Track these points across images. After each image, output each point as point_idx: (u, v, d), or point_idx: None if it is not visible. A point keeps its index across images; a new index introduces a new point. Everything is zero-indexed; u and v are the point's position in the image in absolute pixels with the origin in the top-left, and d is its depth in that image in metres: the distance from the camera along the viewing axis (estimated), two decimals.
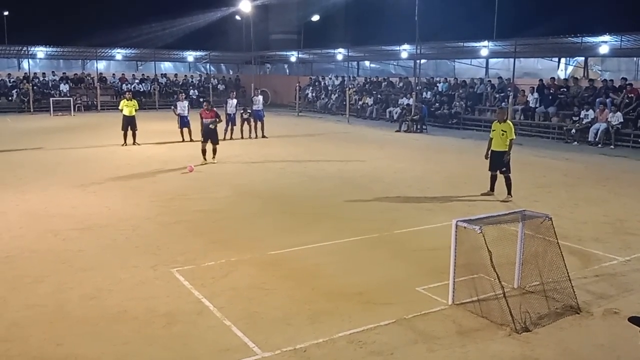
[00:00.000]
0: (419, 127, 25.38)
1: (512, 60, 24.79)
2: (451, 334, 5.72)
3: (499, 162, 11.70)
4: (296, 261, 7.90)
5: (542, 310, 6.18)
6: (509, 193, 11.74)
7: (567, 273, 6.44)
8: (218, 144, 16.28)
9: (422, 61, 31.91)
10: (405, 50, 31.10)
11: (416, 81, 28.48)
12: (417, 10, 25.34)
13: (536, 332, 5.77)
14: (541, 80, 25.12)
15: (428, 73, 33.26)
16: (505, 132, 11.54)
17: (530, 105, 24.38)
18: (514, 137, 11.68)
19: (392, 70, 37.44)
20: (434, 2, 29.36)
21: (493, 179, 11.98)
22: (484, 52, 28.25)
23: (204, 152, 15.79)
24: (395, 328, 5.83)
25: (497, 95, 26.43)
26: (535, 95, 24.42)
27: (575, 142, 21.21)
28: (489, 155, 11.82)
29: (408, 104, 27.73)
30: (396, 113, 28.76)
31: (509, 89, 25.04)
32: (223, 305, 6.34)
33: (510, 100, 22.44)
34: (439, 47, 30.01)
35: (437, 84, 30.46)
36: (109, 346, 5.46)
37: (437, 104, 28.34)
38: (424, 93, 29.56)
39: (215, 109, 16.28)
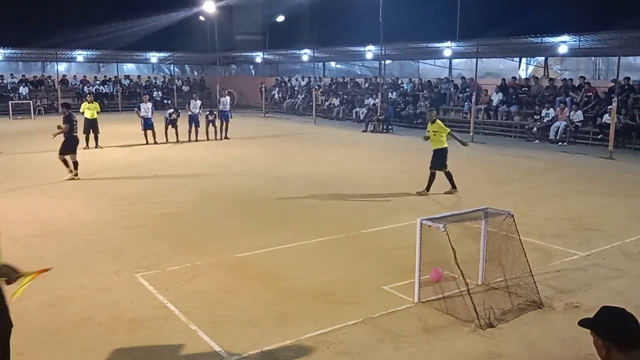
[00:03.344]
0: (384, 127, 25.57)
1: (474, 60, 25.18)
2: (417, 332, 5.77)
3: (436, 161, 12.22)
4: (263, 263, 7.86)
5: (506, 306, 6.29)
6: (453, 187, 12.22)
7: (530, 269, 6.57)
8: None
9: (387, 62, 32.17)
10: (370, 51, 31.28)
11: (381, 82, 28.69)
12: (382, 11, 25.54)
13: (500, 327, 5.86)
14: (503, 79, 25.59)
15: (393, 73, 33.53)
16: (437, 131, 12.19)
17: (493, 104, 24.81)
18: (448, 130, 12.34)
19: (358, 71, 37.65)
20: (398, 3, 29.62)
21: (431, 177, 12.28)
22: (447, 52, 28.61)
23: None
24: (362, 327, 5.85)
25: (461, 95, 26.82)
26: (499, 95, 24.86)
27: (537, 140, 21.68)
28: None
29: (374, 104, 27.92)
30: (362, 113, 28.92)
31: (472, 88, 25.44)
32: (188, 310, 6.26)
33: (473, 99, 22.78)
34: (403, 48, 30.26)
35: (402, 85, 30.74)
36: (72, 354, 5.35)
37: (402, 104, 28.60)
38: (390, 93, 29.79)
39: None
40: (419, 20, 33.80)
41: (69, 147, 13.81)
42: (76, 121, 14.30)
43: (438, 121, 12.44)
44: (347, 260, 8.00)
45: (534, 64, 28.79)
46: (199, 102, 21.63)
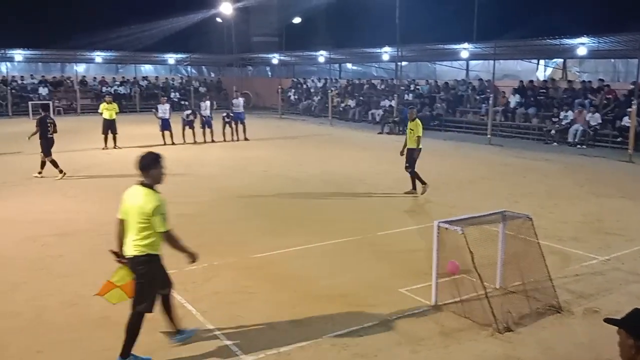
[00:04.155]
0: (401, 129, 25.48)
1: (492, 62, 25.02)
2: (434, 335, 5.75)
3: (407, 159, 12.29)
4: (279, 264, 7.89)
5: (524, 310, 6.24)
6: (413, 188, 12.31)
7: (548, 273, 6.51)
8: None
9: (403, 63, 32.09)
10: (386, 52, 31.21)
11: (397, 83, 28.62)
12: (398, 13, 25.50)
13: (518, 331, 5.82)
14: (521, 81, 25.40)
15: (409, 75, 33.44)
16: (413, 130, 12.16)
17: (511, 106, 24.64)
18: (420, 134, 12.15)
19: (374, 72, 37.60)
20: (414, 4, 29.57)
21: (411, 175, 12.35)
22: (464, 54, 28.47)
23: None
24: (378, 330, 5.85)
25: (478, 97, 26.67)
26: (516, 97, 24.68)
27: (555, 143, 21.47)
28: (404, 153, 12.48)
29: (390, 106, 27.87)
30: (378, 115, 28.87)
31: (489, 90, 25.27)
32: (206, 310, 6.30)
33: (490, 101, 22.64)
34: (419, 49, 30.18)
35: (419, 86, 30.64)
36: (91, 353, 5.41)
37: (419, 106, 28.50)
38: (406, 95, 29.71)
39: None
40: (435, 22, 33.67)
41: (47, 148, 14.05)
42: (51, 124, 14.31)
43: (417, 120, 12.31)
44: (363, 262, 8.00)
45: (553, 66, 28.55)
46: (208, 103, 21.71)
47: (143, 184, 5.18)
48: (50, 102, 32.74)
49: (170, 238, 5.07)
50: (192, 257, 5.33)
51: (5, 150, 18.64)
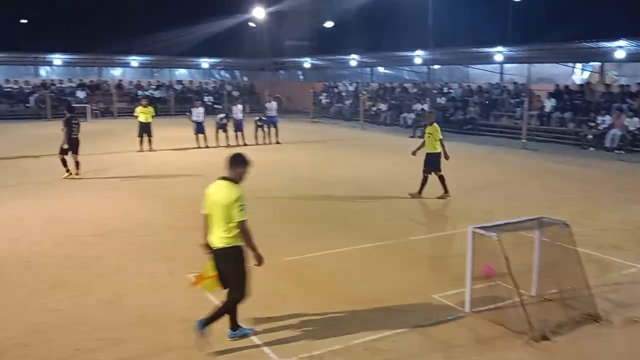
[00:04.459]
0: None
1: (527, 65, 24.67)
2: (469, 342, 5.69)
3: (430, 163, 12.21)
4: (312, 268, 7.91)
5: (561, 319, 6.13)
6: (446, 191, 12.18)
7: (586, 281, 6.38)
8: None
9: (436, 66, 31.88)
10: (419, 56, 31.09)
11: (430, 87, 28.44)
12: (431, 16, 25.35)
13: (555, 340, 5.72)
14: (557, 85, 24.98)
15: (442, 78, 33.22)
16: (431, 134, 12.13)
17: (546, 110, 24.23)
18: (441, 137, 12.12)
19: (406, 76, 37.45)
20: (448, 7, 29.35)
21: (424, 180, 12.32)
22: (498, 57, 28.14)
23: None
24: (412, 335, 5.82)
25: (512, 101, 26.32)
26: (552, 100, 24.27)
27: (592, 148, 21.04)
28: (415, 153, 12.53)
29: (422, 110, 27.70)
30: (410, 119, 28.73)
31: (524, 94, 24.92)
32: (240, 312, 6.34)
33: (525, 105, 22.30)
34: (452, 53, 29.94)
35: (451, 90, 30.39)
36: (128, 351, 5.50)
37: (452, 110, 28.27)
38: (438, 99, 29.50)
39: None
40: (469, 25, 33.39)
41: (66, 148, 14.36)
42: (76, 124, 14.59)
43: (435, 125, 12.27)
44: (396, 267, 7.97)
45: (589, 69, 27.99)
46: (240, 107, 21.91)
47: (225, 178, 5.57)
48: (88, 105, 33.64)
49: (244, 229, 5.37)
50: (259, 259, 5.54)
51: (45, 152, 19.11)
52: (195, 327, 5.47)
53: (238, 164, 5.63)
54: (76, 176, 14.44)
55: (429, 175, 12.28)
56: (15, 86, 36.29)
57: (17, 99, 35.34)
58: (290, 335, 5.83)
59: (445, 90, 30.63)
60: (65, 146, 14.36)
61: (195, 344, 5.44)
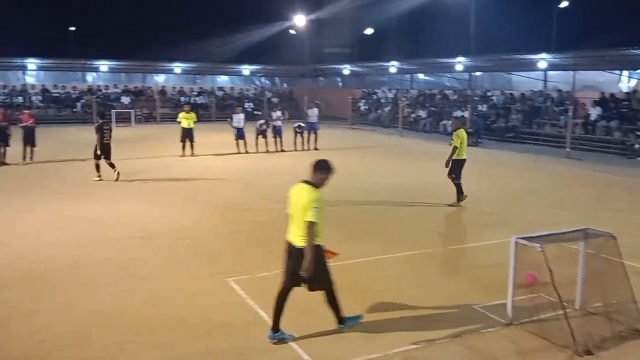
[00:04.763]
0: (474, 140, 24.99)
1: (571, 72, 24.14)
2: (509, 354, 5.59)
3: (452, 169, 12.19)
4: (349, 275, 7.89)
5: (606, 333, 5.96)
6: (458, 200, 12.15)
7: (632, 294, 6.20)
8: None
9: (478, 73, 31.51)
10: (460, 62, 30.78)
11: (471, 94, 28.11)
12: (473, 23, 25.09)
13: (599, 355, 5.57)
14: (602, 93, 24.35)
15: (483, 85, 32.81)
16: (453, 140, 12.21)
17: (591, 119, 23.64)
18: (456, 145, 12.08)
19: (447, 82, 37.12)
20: (490, 14, 29.02)
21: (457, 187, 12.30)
22: (542, 64, 27.62)
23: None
24: (451, 346, 5.75)
25: (556, 109, 25.78)
26: (597, 109, 23.67)
27: (639, 158, 20.40)
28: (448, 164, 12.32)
29: (463, 117, 27.39)
30: (450, 126, 28.41)
31: (568, 102, 24.38)
32: (282, 319, 6.39)
33: (569, 113, 21.81)
34: (494, 60, 29.55)
35: (493, 97, 29.97)
36: (169, 353, 5.61)
37: (493, 117, 27.86)
38: (480, 106, 29.12)
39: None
40: (512, 31, 32.92)
41: (101, 152, 14.93)
42: (107, 130, 15.10)
43: (458, 131, 12.26)
44: (435, 276, 7.90)
45: (637, 77, 27.18)
46: (279, 113, 22.10)
47: (307, 182, 5.86)
48: (132, 111, 34.50)
49: (310, 229, 5.59)
50: (308, 267, 5.61)
51: (91, 156, 19.63)
52: (341, 328, 5.98)
53: (321, 170, 5.88)
54: (116, 177, 14.89)
55: (454, 182, 12.26)
56: (63, 91, 37.53)
57: (64, 103, 36.53)
58: (327, 342, 5.84)
59: (489, 96, 30.19)
60: (98, 151, 14.89)
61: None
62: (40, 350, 5.63)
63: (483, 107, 29.07)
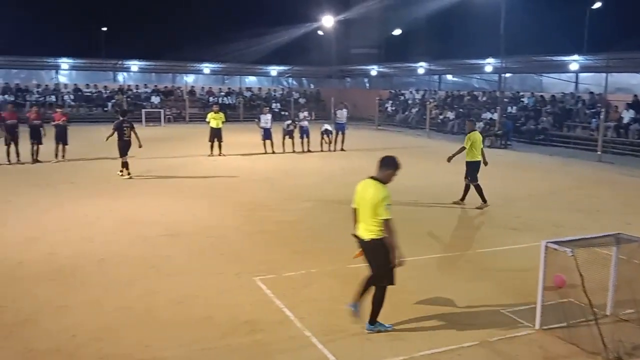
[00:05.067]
0: (503, 142, 24.68)
1: (604, 74, 23.65)
2: None
3: (467, 172, 12.27)
4: None
5: (637, 340, 5.83)
6: (484, 201, 12.04)
7: None
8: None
9: (507, 75, 31.10)
10: (489, 63, 30.43)
11: (501, 95, 27.76)
12: (503, 23, 24.78)
13: None
14: (635, 96, 23.79)
15: (513, 87, 32.37)
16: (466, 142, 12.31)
17: (624, 122, 23.13)
18: (465, 146, 12.20)
19: (475, 84, 36.72)
20: (521, 14, 28.62)
21: (466, 188, 12.37)
22: (574, 66, 27.13)
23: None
24: (478, 350, 5.68)
25: (588, 112, 25.29)
26: (630, 112, 23.14)
27: None
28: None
29: (491, 119, 27.07)
30: (479, 128, 28.08)
31: (600, 104, 23.90)
32: (303, 316, 6.41)
33: (601, 116, 21.36)
34: (525, 61, 29.13)
35: (523, 99, 29.55)
36: (194, 351, 5.66)
37: (523, 119, 27.47)
38: (509, 108, 28.74)
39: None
40: (542, 32, 32.42)
41: (121, 149, 15.43)
42: (127, 127, 15.52)
43: (470, 134, 12.31)
44: (462, 279, 7.80)
45: None
46: (306, 114, 22.15)
47: (374, 178, 5.97)
48: (162, 110, 34.94)
49: (388, 226, 5.75)
50: (397, 260, 5.82)
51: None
52: (369, 328, 6.01)
53: (388, 166, 6.01)
54: (127, 176, 15.40)
55: (472, 184, 12.28)
56: (95, 91, 38.20)
57: (96, 103, 37.18)
58: (353, 343, 5.82)
59: (520, 98, 29.77)
60: (120, 148, 15.42)
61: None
62: (70, 345, 5.72)
63: (512, 109, 28.67)
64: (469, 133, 12.39)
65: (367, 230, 5.89)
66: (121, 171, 15.59)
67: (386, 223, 5.74)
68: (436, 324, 6.30)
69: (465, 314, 6.57)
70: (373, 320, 6.03)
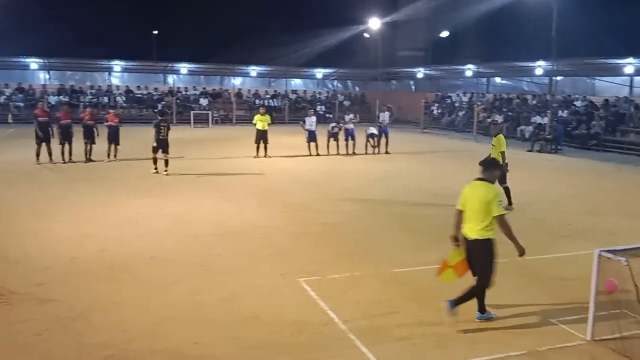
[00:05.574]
0: (553, 147, 24.08)
1: None
2: None
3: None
4: (420, 281, 7.80)
5: None
6: (510, 203, 12.11)
7: None
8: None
9: (558, 78, 30.33)
10: (540, 66, 29.74)
11: (551, 99, 27.09)
12: (555, 25, 24.19)
13: None
14: None
15: (564, 90, 31.55)
16: (494, 145, 12.36)
17: None
18: (504, 149, 12.23)
19: (525, 87, 35.94)
20: (573, 16, 27.85)
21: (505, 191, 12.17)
22: (629, 69, 26.24)
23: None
24: None
25: None
26: None
27: None
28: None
29: (540, 124, 26.46)
30: (528, 132, 27.52)
31: None
32: (347, 319, 6.42)
33: None
34: (577, 64, 28.35)
35: (575, 102, 28.75)
36: (241, 349, 5.75)
37: (574, 124, 26.73)
38: (560, 111, 28.01)
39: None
40: (596, 34, 31.47)
41: (155, 147, 16.31)
42: (164, 126, 16.38)
43: (500, 136, 12.53)
44: (511, 287, 7.64)
45: None
46: (351, 116, 22.15)
47: (481, 179, 6.29)
48: (210, 112, 35.58)
49: (503, 222, 6.07)
50: (521, 249, 6.19)
51: (170, 155, 20.39)
52: (446, 306, 6.21)
53: (493, 167, 6.43)
54: (164, 173, 16.17)
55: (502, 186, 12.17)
56: (146, 92, 39.23)
57: (146, 104, 38.16)
58: (398, 347, 5.79)
59: (572, 101, 28.98)
60: (154, 144, 16.25)
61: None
62: (121, 340, 5.88)
63: (563, 113, 27.93)
64: (495, 136, 12.53)
65: (475, 230, 6.13)
66: (155, 168, 16.45)
67: (501, 218, 6.02)
68: (484, 331, 6.21)
69: (513, 322, 6.44)
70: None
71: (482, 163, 6.41)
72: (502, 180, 12.13)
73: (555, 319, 6.47)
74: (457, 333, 6.12)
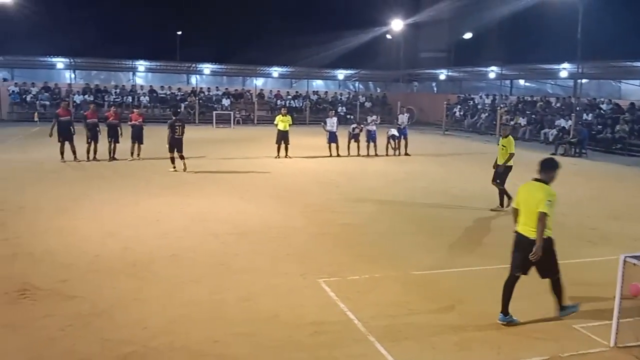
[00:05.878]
0: (577, 151, 23.72)
1: None
2: None
3: (498, 175, 12.25)
4: (441, 283, 7.76)
5: None
6: (501, 205, 12.25)
7: None
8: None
9: (584, 80, 29.90)
10: (564, 69, 29.36)
11: (576, 102, 26.72)
12: (581, 27, 23.86)
13: None
14: None
15: (589, 93, 31.07)
16: (505, 146, 12.26)
17: None
18: (513, 150, 12.21)
19: (549, 89, 35.48)
20: (599, 18, 27.45)
21: (501, 192, 12.33)
22: None
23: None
24: None
25: None
26: None
27: None
28: (495, 167, 12.54)
29: (564, 127, 26.11)
30: (552, 135, 27.18)
31: None
32: (367, 320, 6.40)
33: None
34: (603, 66, 27.93)
35: (600, 106, 28.31)
36: (261, 348, 5.76)
37: (599, 127, 26.32)
38: (585, 115, 27.61)
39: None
40: (622, 36, 30.97)
41: (170, 146, 16.69)
42: (179, 125, 16.64)
43: (510, 137, 12.45)
44: (533, 292, 7.51)
45: None
46: (372, 118, 22.12)
47: (538, 180, 6.41)
48: (231, 113, 35.81)
49: (542, 219, 6.11)
50: (537, 251, 6.13)
51: (192, 154, 20.58)
52: (560, 315, 6.47)
53: (552, 168, 6.47)
54: (183, 170, 16.54)
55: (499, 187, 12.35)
56: (169, 92, 39.62)
57: (170, 104, 38.49)
58: (418, 349, 5.76)
59: (598, 105, 28.55)
60: (169, 144, 16.61)
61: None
62: (142, 337, 5.94)
63: (588, 117, 27.53)
64: (505, 137, 12.47)
65: (532, 228, 6.21)
66: (174, 167, 16.80)
67: (542, 215, 6.08)
68: (505, 335, 6.14)
69: (535, 327, 6.37)
70: (562, 307, 6.45)
71: (541, 163, 6.47)
72: (502, 182, 12.25)
73: (578, 325, 6.37)
74: (478, 337, 6.07)
